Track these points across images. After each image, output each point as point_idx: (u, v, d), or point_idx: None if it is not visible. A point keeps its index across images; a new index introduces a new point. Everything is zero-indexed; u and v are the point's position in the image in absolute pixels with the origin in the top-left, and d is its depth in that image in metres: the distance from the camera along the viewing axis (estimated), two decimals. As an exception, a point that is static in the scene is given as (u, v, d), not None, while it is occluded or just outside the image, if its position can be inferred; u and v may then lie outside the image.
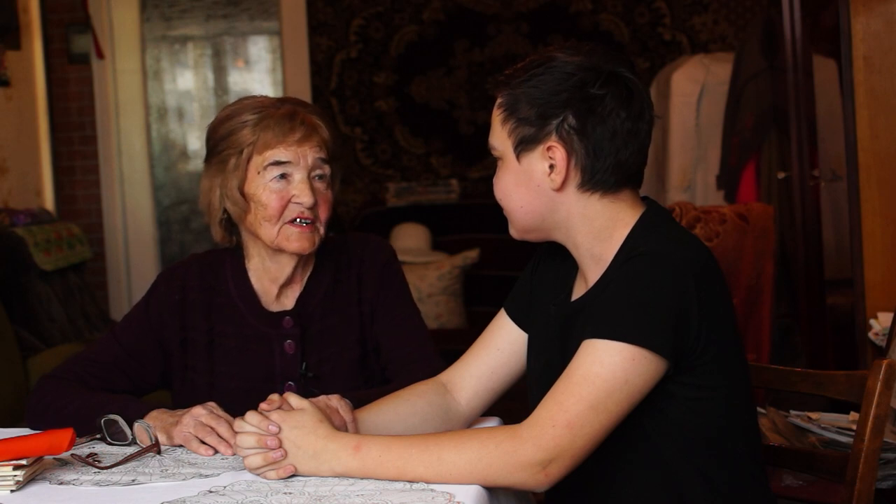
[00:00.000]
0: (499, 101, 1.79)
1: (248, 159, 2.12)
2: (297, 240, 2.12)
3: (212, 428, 1.91)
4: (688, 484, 1.74)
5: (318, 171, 2.13)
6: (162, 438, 1.93)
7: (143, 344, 2.17)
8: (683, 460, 1.73)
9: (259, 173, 2.11)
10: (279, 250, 2.14)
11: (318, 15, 6.46)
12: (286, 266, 2.18)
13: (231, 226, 2.19)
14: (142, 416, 1.97)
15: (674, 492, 1.73)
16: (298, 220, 2.11)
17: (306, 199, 2.09)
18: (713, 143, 5.20)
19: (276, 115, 2.11)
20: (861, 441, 1.83)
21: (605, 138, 1.73)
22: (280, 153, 2.10)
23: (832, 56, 3.84)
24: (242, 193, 2.13)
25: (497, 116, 1.79)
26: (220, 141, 2.15)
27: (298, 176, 2.11)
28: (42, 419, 2.06)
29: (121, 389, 2.13)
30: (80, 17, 6.21)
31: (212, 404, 1.96)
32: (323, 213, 2.13)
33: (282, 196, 2.10)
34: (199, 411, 1.94)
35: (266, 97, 2.18)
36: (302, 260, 2.18)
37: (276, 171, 2.10)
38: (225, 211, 2.16)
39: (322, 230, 2.14)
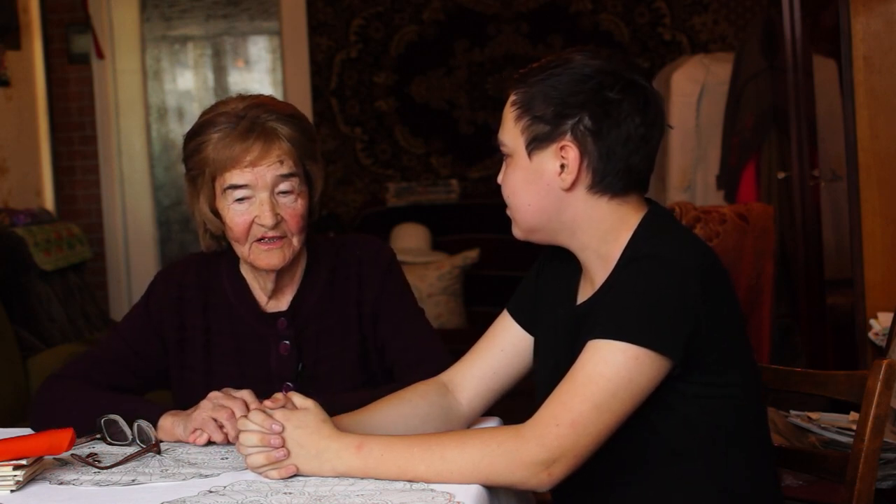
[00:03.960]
0: (512, 98, 1.78)
1: (213, 179, 2.09)
2: (266, 258, 2.09)
3: (229, 407, 1.93)
4: (697, 482, 1.74)
5: (281, 188, 2.07)
6: (179, 430, 1.95)
7: (145, 340, 2.17)
8: (693, 458, 1.74)
9: (222, 194, 2.08)
10: (253, 266, 2.14)
11: (318, 15, 6.45)
12: (267, 278, 2.16)
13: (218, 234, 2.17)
14: (156, 418, 1.98)
15: (683, 489, 1.74)
16: (264, 238, 2.08)
17: (268, 220, 2.05)
18: (713, 143, 5.20)
19: (234, 133, 2.05)
20: (861, 441, 1.83)
21: (619, 142, 1.73)
22: (236, 177, 2.05)
23: (832, 56, 3.84)
24: (214, 211, 2.11)
25: (510, 113, 1.78)
26: (189, 158, 2.12)
27: (259, 197, 2.06)
28: (50, 420, 2.03)
29: (126, 386, 2.13)
30: (80, 17, 6.20)
31: (227, 389, 1.98)
32: (293, 226, 2.08)
33: (245, 219, 2.06)
34: (215, 393, 1.96)
35: (236, 104, 2.10)
36: (288, 270, 2.16)
37: (236, 194, 2.06)
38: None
39: (295, 241, 2.10)
